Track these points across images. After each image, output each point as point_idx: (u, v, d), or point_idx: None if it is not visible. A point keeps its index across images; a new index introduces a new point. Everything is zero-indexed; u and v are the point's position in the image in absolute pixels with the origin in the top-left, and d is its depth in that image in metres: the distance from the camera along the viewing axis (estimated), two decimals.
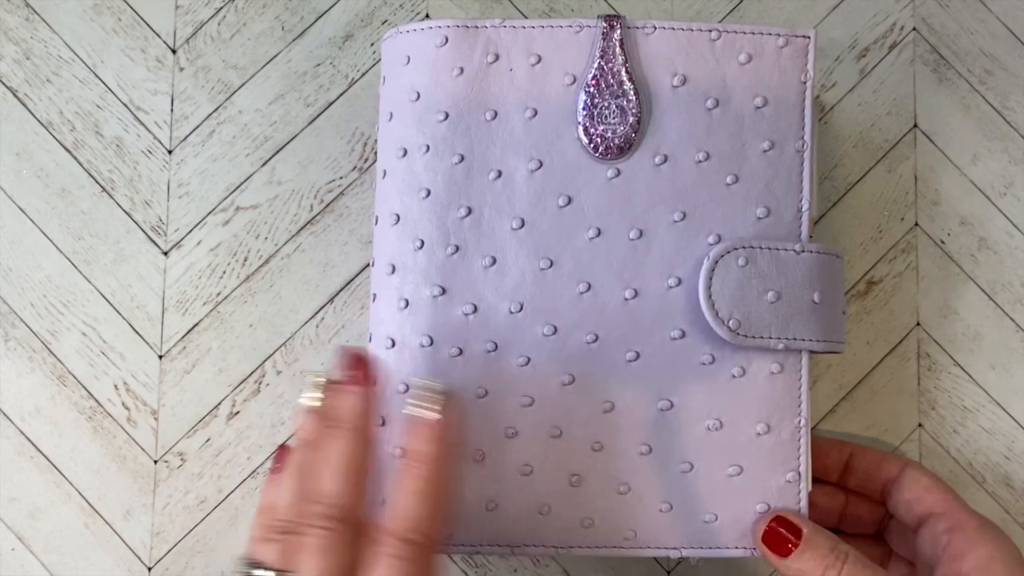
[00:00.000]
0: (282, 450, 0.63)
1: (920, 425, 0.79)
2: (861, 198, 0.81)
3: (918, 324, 0.80)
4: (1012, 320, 0.80)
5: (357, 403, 0.58)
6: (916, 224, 0.81)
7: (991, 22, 0.82)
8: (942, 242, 0.80)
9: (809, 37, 0.65)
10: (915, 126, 0.81)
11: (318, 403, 0.59)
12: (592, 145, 0.64)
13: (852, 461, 0.73)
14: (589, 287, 0.64)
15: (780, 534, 0.62)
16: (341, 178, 0.81)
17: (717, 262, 0.63)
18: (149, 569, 0.78)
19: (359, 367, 0.59)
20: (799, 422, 0.65)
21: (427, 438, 0.58)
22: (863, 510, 0.74)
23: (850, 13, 0.82)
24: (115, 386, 0.79)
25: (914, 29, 0.82)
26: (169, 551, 0.78)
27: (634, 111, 0.64)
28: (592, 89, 0.64)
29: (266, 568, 0.55)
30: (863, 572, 0.60)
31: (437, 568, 0.57)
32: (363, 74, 0.82)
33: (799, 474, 0.65)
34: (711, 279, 0.62)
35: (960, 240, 0.80)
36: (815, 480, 0.69)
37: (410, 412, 0.58)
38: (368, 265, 0.80)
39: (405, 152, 0.65)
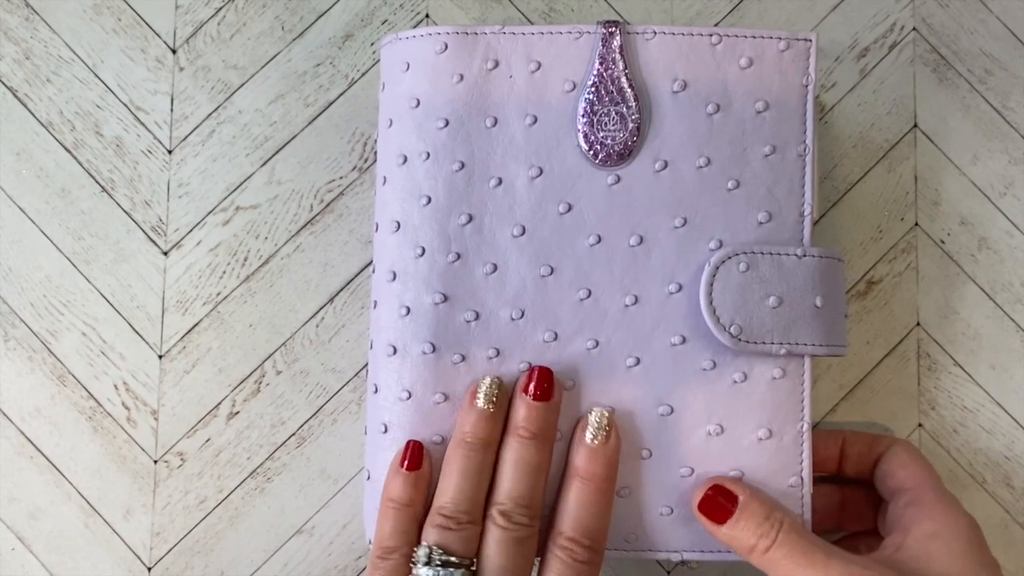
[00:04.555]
0: (417, 446, 0.64)
1: (920, 425, 0.79)
2: (861, 198, 0.81)
3: (918, 324, 0.80)
4: (1012, 320, 0.80)
5: (551, 417, 0.64)
6: (916, 224, 0.80)
7: (991, 22, 0.82)
8: (942, 242, 0.80)
9: (811, 41, 0.65)
10: (915, 126, 0.81)
11: (494, 408, 0.63)
12: (592, 152, 0.64)
13: (845, 448, 0.73)
14: (589, 293, 0.64)
15: (717, 502, 0.63)
16: (341, 178, 0.81)
17: (718, 268, 0.62)
18: (149, 569, 0.78)
19: (551, 384, 0.63)
20: (801, 427, 0.65)
21: (605, 463, 0.63)
22: (860, 500, 0.74)
23: (850, 13, 0.82)
24: (115, 386, 0.79)
25: (914, 29, 0.82)
26: (169, 551, 0.78)
27: (634, 117, 0.64)
28: (592, 96, 0.64)
29: (452, 556, 0.60)
30: (798, 541, 0.61)
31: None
32: (363, 74, 0.82)
33: (801, 479, 0.65)
34: (712, 285, 0.62)
35: (960, 240, 0.80)
36: (815, 476, 0.69)
37: (590, 441, 0.63)
38: (368, 265, 0.79)
39: (405, 159, 0.65)
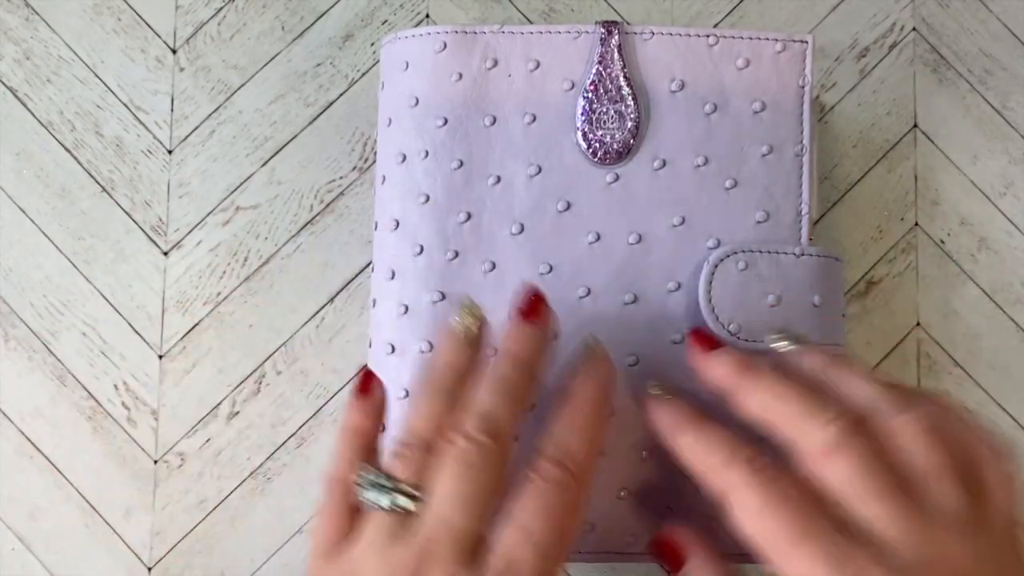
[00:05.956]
0: (368, 373, 0.60)
1: None
2: (861, 198, 0.81)
3: (918, 324, 0.80)
4: (1012, 320, 0.80)
5: (537, 342, 0.58)
6: (916, 224, 0.80)
7: (991, 22, 0.82)
8: (942, 242, 0.80)
9: (807, 42, 0.65)
10: (915, 126, 0.81)
11: (474, 330, 0.58)
12: (591, 150, 0.64)
13: None
14: (588, 292, 0.64)
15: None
16: (341, 178, 0.81)
17: (717, 266, 0.62)
18: (149, 569, 0.78)
19: (541, 305, 0.59)
20: None
21: (595, 386, 0.57)
22: None
23: (850, 13, 0.82)
24: (115, 386, 0.79)
25: (914, 29, 0.82)
26: (169, 551, 0.78)
27: (632, 116, 0.64)
28: (591, 94, 0.64)
29: (397, 481, 0.53)
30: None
31: (584, 508, 0.55)
32: (363, 74, 0.82)
33: None
34: (711, 283, 0.62)
35: (960, 240, 0.80)
36: None
37: (584, 366, 0.58)
38: (368, 265, 0.79)
39: (404, 158, 0.65)
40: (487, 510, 0.52)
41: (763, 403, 0.54)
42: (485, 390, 0.55)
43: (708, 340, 0.59)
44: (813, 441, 0.51)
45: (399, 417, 0.64)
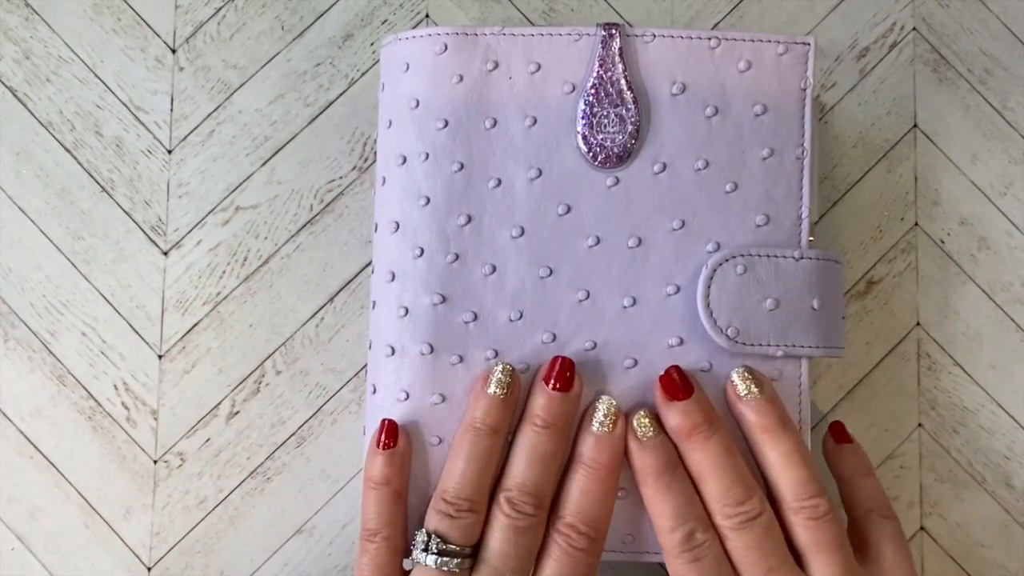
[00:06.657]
0: (391, 424, 0.64)
1: (920, 425, 0.79)
2: (861, 198, 0.81)
3: (918, 324, 0.80)
4: (1012, 320, 0.80)
5: (569, 407, 0.64)
6: (916, 224, 0.80)
7: (991, 22, 0.82)
8: (942, 242, 0.80)
9: (809, 44, 0.65)
10: (915, 126, 0.81)
11: (510, 392, 0.63)
12: (591, 154, 0.64)
13: None
14: (588, 295, 0.64)
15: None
16: (341, 178, 0.81)
17: (715, 270, 0.63)
18: (149, 569, 0.78)
19: (572, 375, 0.63)
20: (798, 428, 0.65)
21: (610, 451, 0.63)
22: None
23: (850, 13, 0.82)
24: (115, 386, 0.79)
25: (914, 29, 0.82)
26: (169, 551, 0.78)
27: (633, 120, 0.64)
28: (591, 98, 0.64)
29: (449, 544, 0.61)
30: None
31: (597, 568, 0.63)
32: (363, 74, 0.82)
33: None
34: (709, 287, 0.63)
35: (960, 240, 0.80)
36: None
37: (596, 429, 0.63)
38: (368, 264, 0.79)
39: (405, 160, 0.65)
40: (531, 567, 0.62)
41: (697, 467, 0.63)
42: (525, 464, 0.63)
43: (674, 389, 0.63)
44: (724, 516, 0.61)
45: (401, 418, 0.65)
